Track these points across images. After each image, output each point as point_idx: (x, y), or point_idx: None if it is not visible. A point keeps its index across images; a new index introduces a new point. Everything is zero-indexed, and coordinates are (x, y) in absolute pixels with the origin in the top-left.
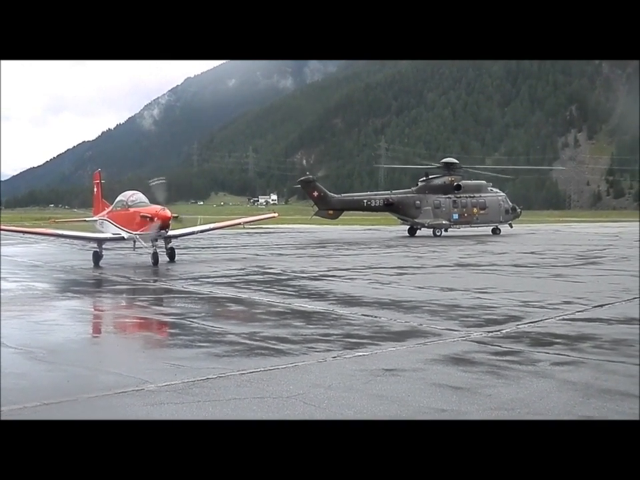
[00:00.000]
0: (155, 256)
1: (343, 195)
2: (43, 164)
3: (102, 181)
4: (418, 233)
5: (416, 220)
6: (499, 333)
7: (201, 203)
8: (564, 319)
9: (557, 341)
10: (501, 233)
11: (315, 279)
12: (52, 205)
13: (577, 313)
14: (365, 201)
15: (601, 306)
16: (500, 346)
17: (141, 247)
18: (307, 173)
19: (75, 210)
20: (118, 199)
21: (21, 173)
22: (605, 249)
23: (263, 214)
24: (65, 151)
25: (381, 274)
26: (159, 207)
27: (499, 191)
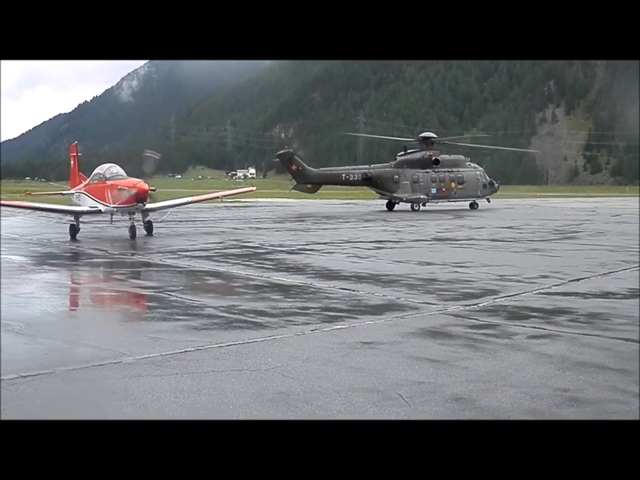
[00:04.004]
0: (133, 229)
1: (321, 168)
2: (19, 136)
3: (79, 154)
4: (396, 207)
5: (394, 194)
6: (475, 306)
7: (179, 176)
8: (540, 293)
9: (533, 314)
10: (479, 208)
11: (293, 252)
12: (28, 178)
13: (553, 287)
14: (344, 175)
15: (577, 280)
16: (477, 319)
17: (118, 220)
18: (285, 147)
19: (52, 183)
20: (95, 171)
21: None
22: (581, 224)
23: (241, 188)
24: (41, 124)
25: (359, 248)
26: (136, 179)
27: (477, 165)
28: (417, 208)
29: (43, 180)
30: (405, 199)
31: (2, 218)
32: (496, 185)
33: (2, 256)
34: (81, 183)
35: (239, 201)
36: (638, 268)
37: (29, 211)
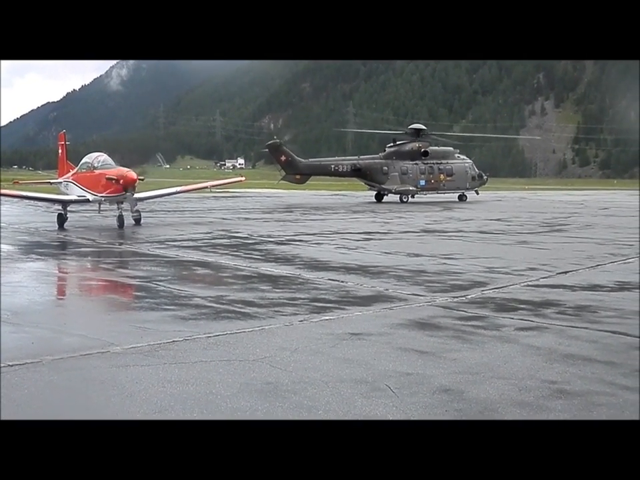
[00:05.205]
0: (121, 219)
1: (310, 159)
2: (6, 125)
3: (67, 143)
4: (385, 198)
5: (383, 186)
6: (464, 298)
7: (167, 166)
8: (528, 285)
9: (521, 306)
10: (468, 200)
11: (282, 243)
12: (15, 166)
13: (541, 279)
14: (333, 166)
15: (565, 272)
16: (465, 311)
17: (106, 210)
18: (275, 137)
19: (39, 172)
20: (83, 160)
21: None
22: (569, 217)
23: (229, 178)
24: (29, 112)
25: (347, 239)
26: (124, 168)
27: (466, 157)
28: (405, 199)
29: (30, 168)
30: (393, 191)
31: None
32: (485, 177)
33: None
34: (69, 171)
35: (228, 191)
36: (637, 259)
37: (16, 199)
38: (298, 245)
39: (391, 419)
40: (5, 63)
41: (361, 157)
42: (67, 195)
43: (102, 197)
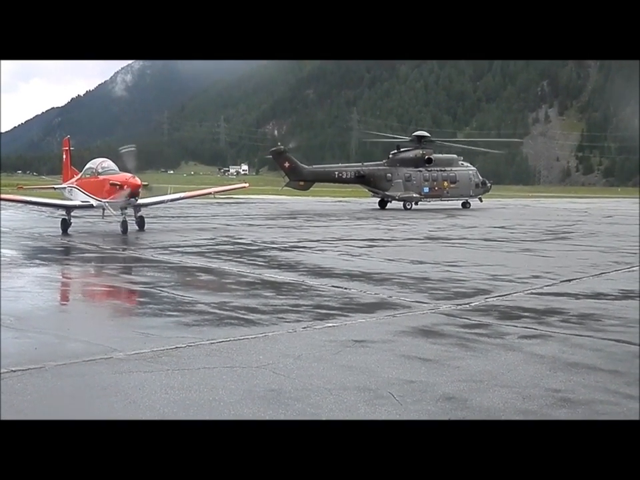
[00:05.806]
0: (124, 224)
1: (314, 166)
2: (11, 130)
3: (71, 148)
4: (388, 205)
5: (387, 192)
6: (467, 305)
7: (171, 172)
8: (532, 293)
9: (525, 314)
10: (471, 207)
11: (285, 249)
12: (20, 172)
13: (545, 287)
14: (336, 172)
15: (569, 280)
16: (469, 319)
17: (110, 215)
18: (279, 144)
19: (44, 177)
20: (87, 166)
21: None
22: (573, 225)
23: (233, 184)
24: (34, 117)
25: (351, 246)
26: (128, 174)
27: (469, 165)
28: (409, 206)
29: (35, 174)
30: (397, 198)
31: None
32: (488, 184)
33: None
34: (73, 177)
35: (232, 197)
36: (637, 269)
37: (20, 204)
38: (301, 251)
39: (382, 418)
40: (9, 68)
41: (365, 163)
42: (71, 200)
43: (106, 202)
